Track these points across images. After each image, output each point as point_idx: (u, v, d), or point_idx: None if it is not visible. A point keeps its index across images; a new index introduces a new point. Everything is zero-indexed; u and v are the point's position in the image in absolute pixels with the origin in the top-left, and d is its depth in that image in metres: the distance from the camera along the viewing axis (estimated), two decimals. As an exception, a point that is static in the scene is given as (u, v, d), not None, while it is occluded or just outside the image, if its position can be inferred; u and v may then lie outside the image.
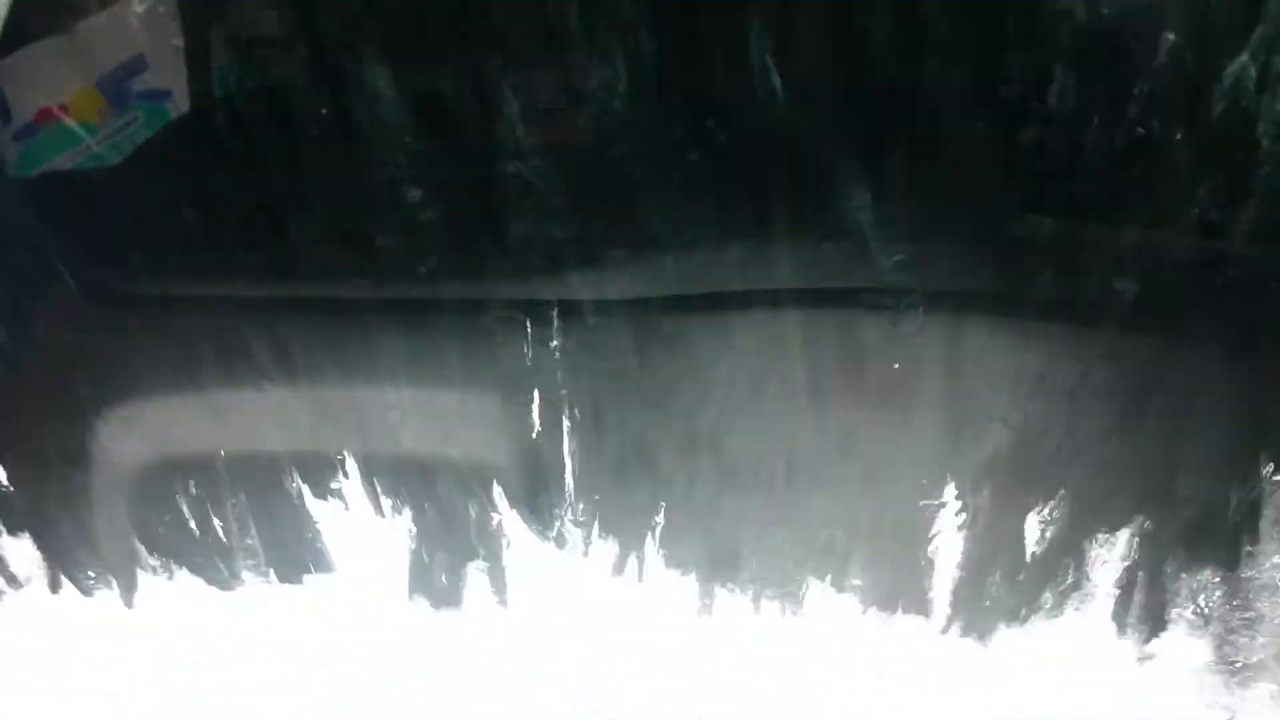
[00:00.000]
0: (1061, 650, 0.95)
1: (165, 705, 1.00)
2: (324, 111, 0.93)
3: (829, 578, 0.97)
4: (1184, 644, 0.94)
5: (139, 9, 0.94)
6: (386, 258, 0.95)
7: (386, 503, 1.04)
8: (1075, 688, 0.93)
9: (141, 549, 1.04)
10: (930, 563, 0.96)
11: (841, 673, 0.95)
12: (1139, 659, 0.94)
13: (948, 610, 0.95)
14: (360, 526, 1.06)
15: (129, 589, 1.04)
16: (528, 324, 0.97)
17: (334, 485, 1.04)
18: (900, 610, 0.96)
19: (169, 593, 1.06)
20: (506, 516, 1.02)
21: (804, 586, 0.97)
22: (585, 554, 0.99)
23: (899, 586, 0.96)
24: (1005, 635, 0.95)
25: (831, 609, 0.98)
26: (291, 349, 1.00)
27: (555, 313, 0.96)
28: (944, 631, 0.95)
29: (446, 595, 1.02)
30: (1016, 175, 0.91)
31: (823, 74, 0.89)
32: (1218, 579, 0.93)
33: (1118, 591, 0.96)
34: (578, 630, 0.99)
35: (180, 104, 0.96)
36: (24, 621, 1.06)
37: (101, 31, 0.95)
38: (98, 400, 1.03)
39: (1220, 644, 0.94)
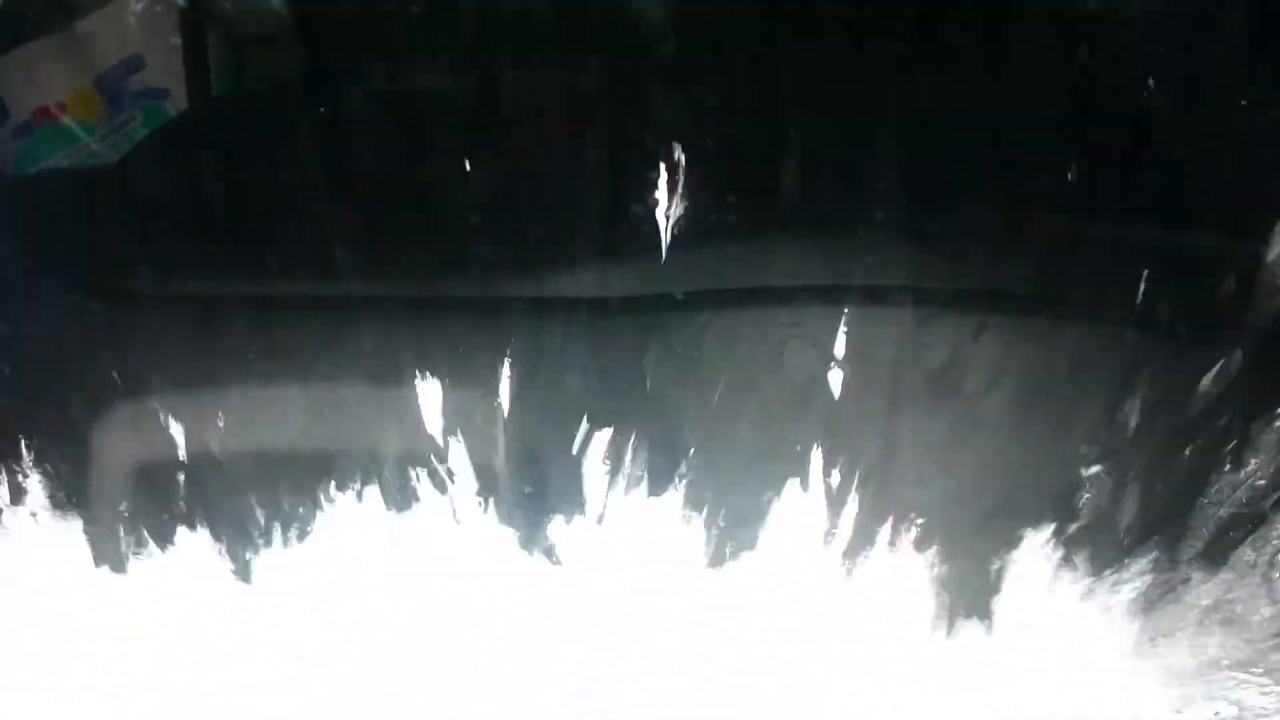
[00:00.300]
0: (1061, 650, 0.95)
1: (165, 705, 1.00)
2: (321, 110, 0.93)
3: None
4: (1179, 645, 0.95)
5: (136, 8, 0.94)
6: (382, 255, 0.95)
7: (387, 502, 1.05)
8: (1075, 688, 0.93)
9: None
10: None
11: (841, 673, 0.95)
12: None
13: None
14: (362, 527, 1.06)
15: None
16: (527, 323, 0.97)
17: (337, 485, 1.04)
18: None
19: (169, 593, 1.06)
20: (505, 516, 1.03)
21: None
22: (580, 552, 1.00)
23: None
24: (1005, 635, 0.95)
25: (831, 609, 0.98)
26: (290, 346, 1.00)
27: (555, 312, 0.96)
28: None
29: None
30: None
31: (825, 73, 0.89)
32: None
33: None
34: (578, 630, 0.99)
35: (178, 102, 0.96)
36: (24, 621, 1.05)
37: (99, 31, 0.95)
38: (97, 397, 1.03)
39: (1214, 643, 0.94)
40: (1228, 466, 0.92)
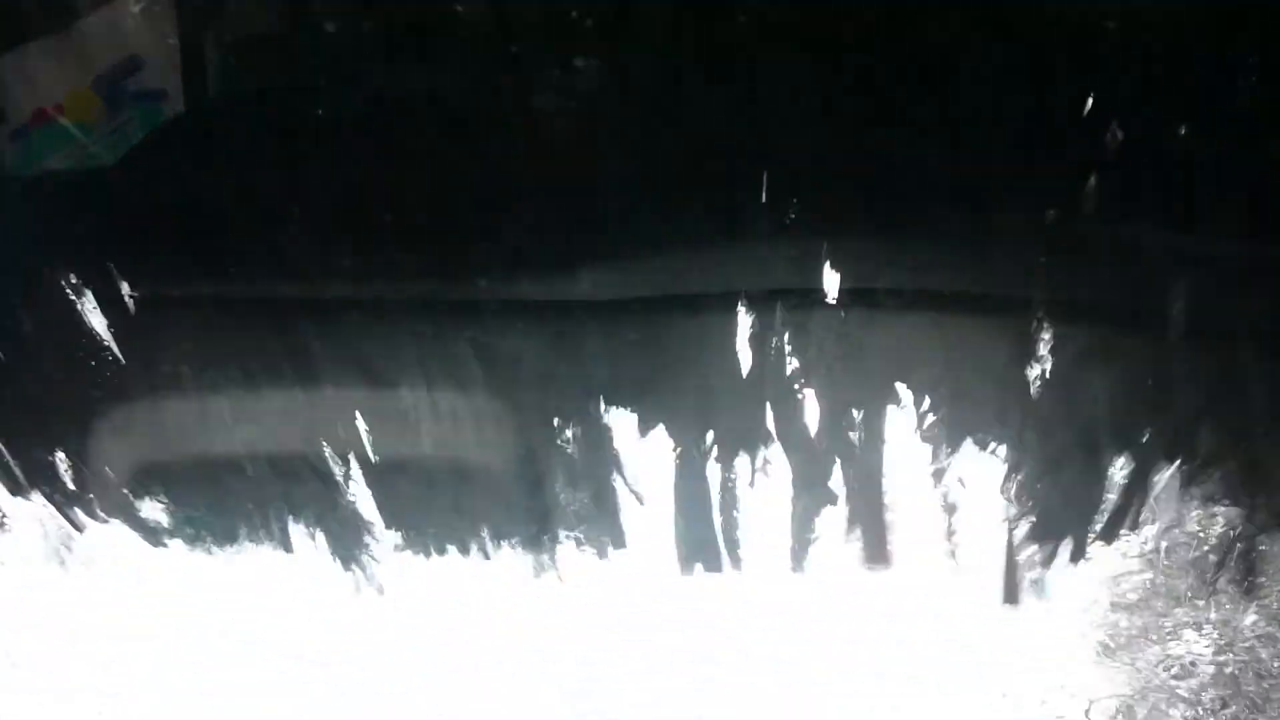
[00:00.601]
0: (1059, 650, 0.95)
1: (165, 705, 1.00)
2: (319, 112, 0.93)
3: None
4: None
5: (134, 10, 0.93)
6: (379, 257, 0.95)
7: (386, 503, 1.05)
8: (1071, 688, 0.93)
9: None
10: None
11: (841, 673, 0.95)
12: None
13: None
14: (361, 526, 1.06)
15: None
16: (523, 324, 0.97)
17: (336, 486, 1.04)
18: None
19: (169, 592, 1.06)
20: (504, 517, 1.03)
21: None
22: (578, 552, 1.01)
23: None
24: (1003, 635, 0.96)
25: (831, 609, 0.99)
26: (288, 348, 1.00)
27: (552, 313, 0.96)
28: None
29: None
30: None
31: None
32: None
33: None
34: (578, 630, 1.00)
35: (175, 104, 0.96)
36: (24, 621, 1.06)
37: (97, 32, 0.94)
38: (94, 399, 1.03)
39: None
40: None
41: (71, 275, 1.00)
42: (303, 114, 0.92)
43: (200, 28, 0.93)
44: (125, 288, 0.99)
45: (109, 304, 1.00)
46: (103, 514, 1.05)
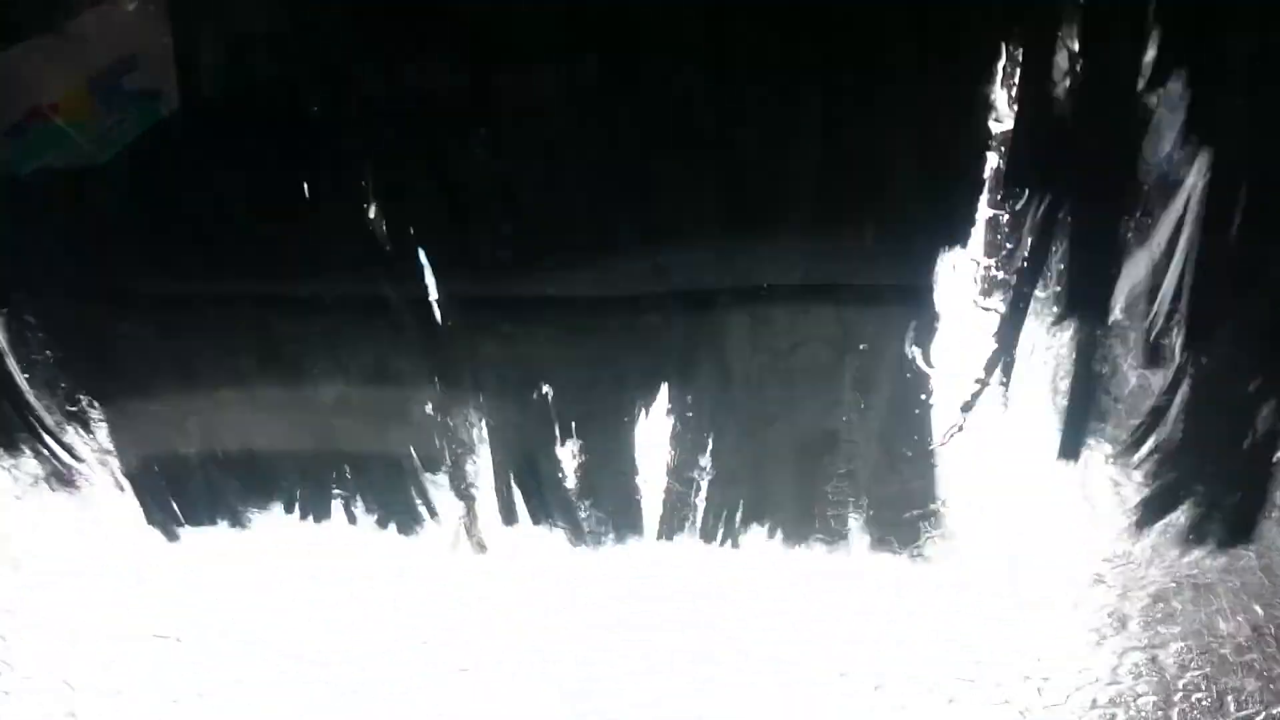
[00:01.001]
0: (1059, 650, 0.95)
1: (165, 705, 1.00)
2: (315, 109, 0.92)
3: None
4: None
5: (129, 8, 0.93)
6: (374, 255, 0.95)
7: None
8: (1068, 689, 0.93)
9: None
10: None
11: (841, 673, 0.95)
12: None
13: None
14: (358, 526, 1.06)
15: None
16: (520, 322, 0.97)
17: (333, 486, 1.04)
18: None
19: (169, 592, 1.07)
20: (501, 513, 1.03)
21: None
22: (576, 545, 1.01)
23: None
24: (1003, 635, 0.96)
25: (830, 608, 0.99)
26: (284, 346, 1.00)
27: (548, 310, 0.96)
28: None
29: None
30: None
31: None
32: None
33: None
34: (578, 630, 1.00)
35: (170, 102, 0.95)
36: (24, 621, 1.06)
37: (93, 31, 0.93)
38: (94, 397, 1.03)
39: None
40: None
41: (65, 273, 1.00)
42: (297, 111, 0.91)
43: (195, 26, 0.93)
44: (119, 285, 0.99)
45: (105, 301, 1.00)
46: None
